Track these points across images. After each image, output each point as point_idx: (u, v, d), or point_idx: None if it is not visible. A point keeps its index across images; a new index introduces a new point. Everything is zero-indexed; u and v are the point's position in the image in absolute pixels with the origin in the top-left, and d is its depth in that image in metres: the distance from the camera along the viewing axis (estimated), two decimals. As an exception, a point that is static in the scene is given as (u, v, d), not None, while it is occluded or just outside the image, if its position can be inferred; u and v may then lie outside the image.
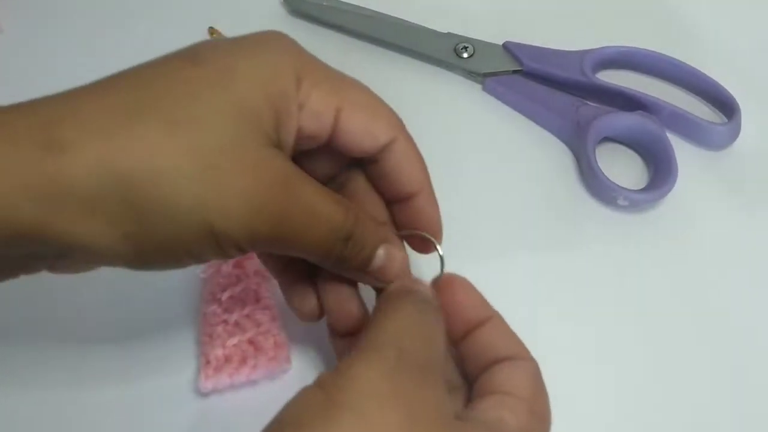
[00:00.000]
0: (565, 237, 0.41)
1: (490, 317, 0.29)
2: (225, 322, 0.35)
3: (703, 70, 0.45)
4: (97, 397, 0.35)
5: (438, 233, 0.31)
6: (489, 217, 0.41)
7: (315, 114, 0.27)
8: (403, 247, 0.31)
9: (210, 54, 0.26)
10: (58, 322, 0.38)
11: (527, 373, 0.28)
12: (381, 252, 0.29)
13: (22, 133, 0.23)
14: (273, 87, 0.26)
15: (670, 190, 0.41)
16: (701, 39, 0.49)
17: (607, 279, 0.39)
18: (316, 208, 0.26)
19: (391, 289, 0.29)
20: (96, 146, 0.23)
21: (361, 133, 0.28)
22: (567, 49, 0.46)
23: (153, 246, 0.24)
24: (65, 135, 0.23)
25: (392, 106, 0.45)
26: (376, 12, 0.49)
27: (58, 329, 0.37)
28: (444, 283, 0.29)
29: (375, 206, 0.31)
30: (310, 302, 0.32)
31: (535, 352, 0.37)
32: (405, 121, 0.44)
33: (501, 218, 0.41)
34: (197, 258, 0.26)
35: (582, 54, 0.46)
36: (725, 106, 0.45)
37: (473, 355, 0.29)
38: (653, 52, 0.46)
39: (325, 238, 0.27)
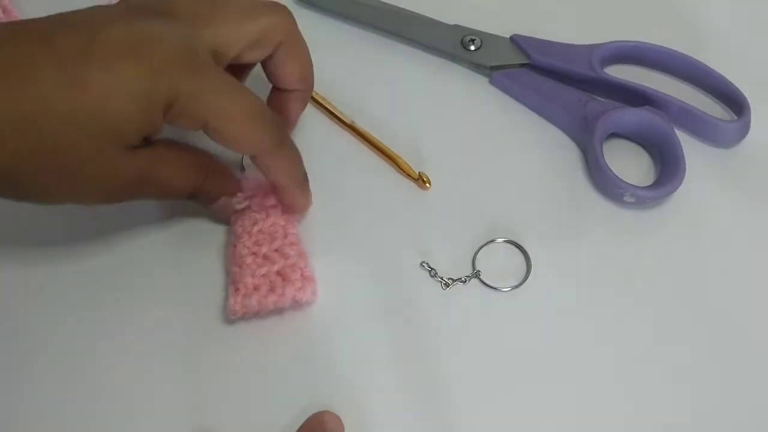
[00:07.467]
0: (571, 233, 0.41)
1: None
2: (255, 254, 0.37)
3: (712, 67, 0.45)
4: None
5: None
6: (494, 212, 0.41)
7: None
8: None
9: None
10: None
11: None
12: (222, 200, 0.38)
13: None
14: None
15: (677, 187, 0.40)
16: (710, 35, 0.48)
17: (613, 275, 0.39)
18: (171, 185, 0.35)
19: None
20: None
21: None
22: (575, 42, 0.46)
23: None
24: None
25: (398, 97, 0.45)
26: (383, 2, 0.48)
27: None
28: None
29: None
30: None
31: (539, 347, 0.37)
32: (411, 113, 0.44)
33: (506, 213, 0.41)
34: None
35: (590, 48, 0.45)
36: (734, 102, 0.44)
37: None
38: (662, 47, 0.46)
39: (177, 196, 0.36)
